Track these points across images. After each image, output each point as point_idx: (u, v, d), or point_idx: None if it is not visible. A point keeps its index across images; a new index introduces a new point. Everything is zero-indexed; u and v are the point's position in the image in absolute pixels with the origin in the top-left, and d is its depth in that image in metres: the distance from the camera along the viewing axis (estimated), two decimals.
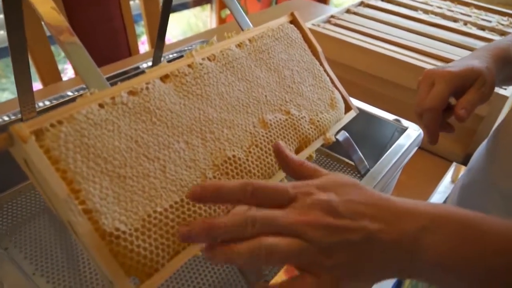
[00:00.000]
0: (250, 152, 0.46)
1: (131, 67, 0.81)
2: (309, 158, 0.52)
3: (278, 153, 0.37)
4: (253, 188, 0.31)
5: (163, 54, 0.82)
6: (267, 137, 0.48)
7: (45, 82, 1.25)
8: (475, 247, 0.29)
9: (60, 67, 1.30)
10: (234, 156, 0.44)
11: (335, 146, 0.59)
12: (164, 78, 0.44)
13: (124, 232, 0.35)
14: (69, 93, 0.72)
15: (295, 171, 0.36)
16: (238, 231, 0.29)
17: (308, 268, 0.30)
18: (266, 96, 0.52)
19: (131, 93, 0.41)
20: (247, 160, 0.45)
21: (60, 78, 1.28)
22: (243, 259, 0.29)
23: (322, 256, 0.29)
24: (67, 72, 2.03)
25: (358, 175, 0.68)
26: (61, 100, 0.69)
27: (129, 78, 0.41)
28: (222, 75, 0.49)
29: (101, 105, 0.38)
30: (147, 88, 0.42)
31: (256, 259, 0.28)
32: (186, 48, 0.97)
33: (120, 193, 0.36)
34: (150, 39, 1.55)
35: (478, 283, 0.29)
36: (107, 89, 0.39)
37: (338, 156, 0.85)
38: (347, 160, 0.84)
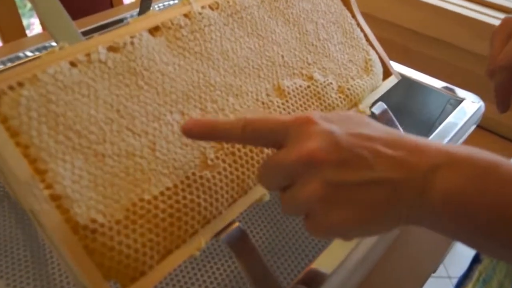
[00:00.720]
0: None
1: (113, 19, 0.80)
2: None
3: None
4: (244, 122, 0.34)
5: (153, 3, 0.81)
6: (284, 109, 0.47)
7: (6, 40, 1.25)
8: (492, 196, 0.30)
9: (25, 22, 1.29)
10: None
11: None
12: (153, 30, 0.43)
13: (102, 225, 0.34)
14: (36, 52, 0.72)
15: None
16: None
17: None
18: (283, 56, 0.51)
19: (112, 49, 0.40)
20: None
21: (25, 35, 1.28)
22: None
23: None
24: (34, 28, 2.03)
25: None
26: (24, 60, 0.69)
27: None
28: (228, 28, 0.48)
29: (73, 64, 0.37)
30: (131, 43, 0.41)
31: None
32: None
33: (97, 175, 0.35)
34: None
35: (486, 239, 0.31)
36: (81, 43, 0.39)
37: None
38: None
